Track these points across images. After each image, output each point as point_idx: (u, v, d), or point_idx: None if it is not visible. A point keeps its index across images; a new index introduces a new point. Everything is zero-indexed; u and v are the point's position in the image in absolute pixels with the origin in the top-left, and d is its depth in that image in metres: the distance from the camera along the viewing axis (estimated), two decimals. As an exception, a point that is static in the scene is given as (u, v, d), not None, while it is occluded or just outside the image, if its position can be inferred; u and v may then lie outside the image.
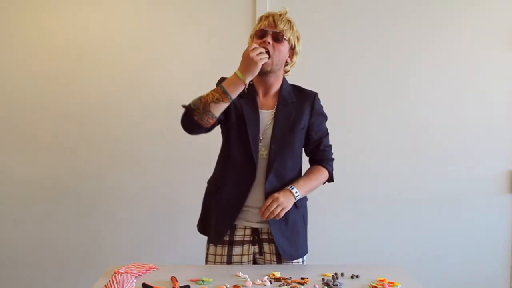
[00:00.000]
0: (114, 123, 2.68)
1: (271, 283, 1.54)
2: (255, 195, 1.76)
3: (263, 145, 1.76)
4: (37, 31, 2.65)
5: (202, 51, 2.66)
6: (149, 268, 1.67)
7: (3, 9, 2.64)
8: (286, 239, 1.77)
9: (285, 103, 1.79)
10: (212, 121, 1.66)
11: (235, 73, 1.64)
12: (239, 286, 1.50)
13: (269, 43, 1.69)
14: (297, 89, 1.86)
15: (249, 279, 1.53)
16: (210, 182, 1.91)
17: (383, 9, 2.66)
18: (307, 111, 1.81)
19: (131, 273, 1.58)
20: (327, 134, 1.90)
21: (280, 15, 1.73)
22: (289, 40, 1.74)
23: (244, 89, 1.65)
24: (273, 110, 1.78)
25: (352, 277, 1.61)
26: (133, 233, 2.71)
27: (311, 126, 1.83)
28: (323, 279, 1.57)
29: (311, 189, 1.81)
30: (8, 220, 2.71)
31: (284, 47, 1.74)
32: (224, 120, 1.78)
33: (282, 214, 1.67)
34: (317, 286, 1.52)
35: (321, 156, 1.87)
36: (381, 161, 2.69)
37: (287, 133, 1.76)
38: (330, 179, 1.88)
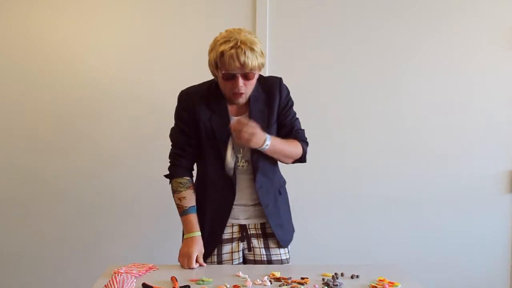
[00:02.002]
0: (114, 123, 2.68)
1: (271, 283, 1.54)
2: (242, 194, 1.78)
3: (244, 157, 1.78)
4: (35, 33, 2.65)
5: (202, 51, 2.64)
6: (149, 268, 1.67)
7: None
8: (280, 228, 1.82)
9: (256, 102, 1.78)
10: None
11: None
12: (239, 286, 1.50)
13: (241, 86, 1.67)
14: (261, 80, 1.82)
15: (249, 279, 1.53)
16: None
17: (382, 9, 2.66)
18: (277, 101, 1.80)
19: (131, 273, 1.58)
20: (296, 118, 1.88)
21: (243, 48, 1.61)
22: (258, 69, 1.69)
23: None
24: (247, 114, 1.77)
25: (352, 277, 1.61)
26: (133, 233, 2.71)
27: (281, 112, 1.82)
28: (323, 279, 1.57)
29: (281, 152, 1.76)
30: (8, 220, 2.71)
31: (255, 80, 1.73)
32: (199, 143, 1.79)
33: (244, 138, 1.63)
34: (317, 286, 1.52)
35: (295, 137, 1.84)
36: (381, 161, 2.69)
37: (264, 130, 1.73)
38: (303, 159, 1.85)
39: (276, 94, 1.80)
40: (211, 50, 1.73)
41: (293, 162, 1.85)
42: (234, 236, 1.81)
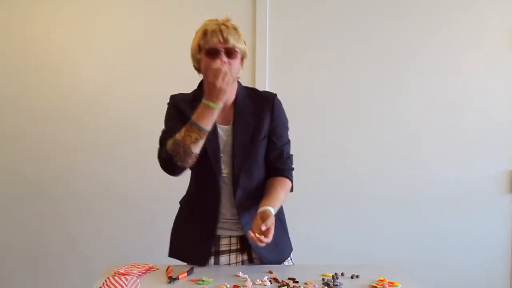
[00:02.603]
0: (114, 123, 2.68)
1: (271, 283, 1.54)
2: (229, 209, 1.72)
3: (224, 162, 1.70)
4: (39, 33, 2.65)
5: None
6: (149, 268, 1.67)
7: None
8: (266, 248, 1.65)
9: (242, 113, 1.71)
10: (193, 160, 1.59)
11: (205, 104, 1.55)
12: (239, 286, 1.50)
13: (225, 62, 1.60)
14: (253, 92, 1.78)
15: (249, 279, 1.53)
16: (182, 202, 1.87)
17: (382, 9, 2.66)
18: (267, 117, 1.72)
19: (131, 273, 1.58)
20: (288, 142, 1.80)
21: (227, 26, 1.65)
22: (240, 51, 1.66)
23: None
24: (231, 124, 1.71)
25: (352, 277, 1.60)
26: (133, 233, 2.71)
27: (272, 131, 1.74)
28: (323, 279, 1.57)
29: (280, 205, 1.72)
30: (8, 220, 2.71)
31: (238, 60, 1.67)
32: None
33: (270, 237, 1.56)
34: (317, 286, 1.52)
35: (283, 164, 1.77)
36: (381, 161, 2.69)
37: (248, 145, 1.69)
38: (291, 190, 1.79)
39: (266, 109, 1.72)
40: (194, 38, 1.71)
41: None
42: (232, 248, 1.75)
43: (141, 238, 2.71)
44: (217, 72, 1.53)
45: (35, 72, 2.67)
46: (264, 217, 1.56)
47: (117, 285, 1.44)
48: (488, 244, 2.73)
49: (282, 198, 1.71)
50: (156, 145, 2.65)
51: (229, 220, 1.73)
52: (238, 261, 1.75)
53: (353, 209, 2.70)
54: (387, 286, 1.51)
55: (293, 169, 1.80)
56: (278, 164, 1.77)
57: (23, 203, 2.70)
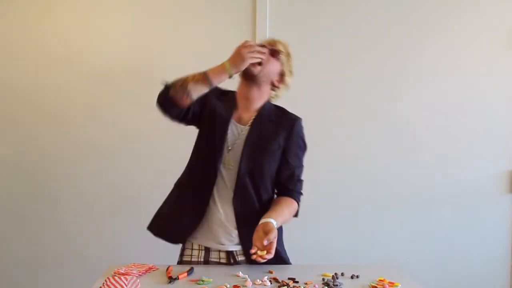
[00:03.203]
0: (114, 123, 2.68)
1: (271, 283, 1.54)
2: (226, 213, 1.70)
3: (232, 157, 1.69)
4: (39, 33, 2.66)
5: (202, 51, 2.66)
6: (149, 268, 1.67)
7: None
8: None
9: (261, 119, 1.72)
10: (186, 100, 1.59)
11: (223, 62, 1.60)
12: (239, 286, 1.50)
13: (265, 53, 1.65)
14: (280, 110, 1.78)
15: (249, 279, 1.53)
16: (176, 185, 1.87)
17: (383, 9, 2.66)
18: (284, 133, 1.72)
19: (131, 273, 1.58)
20: (302, 166, 1.79)
21: (282, 43, 1.74)
22: (282, 64, 1.72)
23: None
24: (248, 125, 1.72)
25: (352, 277, 1.60)
26: (133, 233, 2.70)
27: (287, 148, 1.73)
28: (323, 279, 1.57)
29: (284, 223, 1.71)
30: (8, 220, 2.71)
31: (277, 65, 1.70)
32: (198, 113, 1.71)
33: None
34: (317, 286, 1.52)
35: (293, 186, 1.76)
36: (381, 162, 2.69)
37: (258, 151, 1.69)
38: (295, 215, 1.77)
39: (286, 126, 1.73)
40: None
41: None
42: (221, 261, 1.74)
43: (141, 238, 2.70)
44: (247, 43, 1.60)
45: (36, 72, 2.67)
46: (267, 230, 1.55)
47: (117, 285, 1.44)
48: (488, 244, 2.73)
49: (287, 217, 1.70)
50: (156, 145, 2.67)
51: (223, 235, 1.70)
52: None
53: (353, 209, 2.70)
54: (387, 286, 1.51)
55: (302, 194, 1.79)
56: (288, 184, 1.76)
57: (23, 203, 2.70)
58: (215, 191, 1.70)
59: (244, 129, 1.72)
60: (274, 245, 1.53)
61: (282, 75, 1.74)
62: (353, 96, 2.68)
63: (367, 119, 2.69)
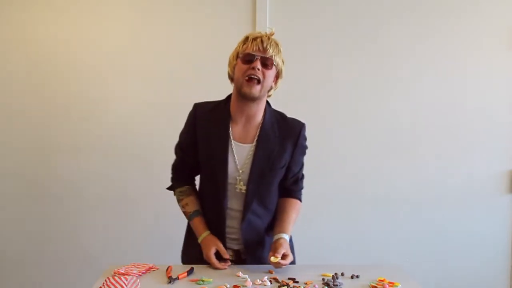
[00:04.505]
0: (115, 123, 2.67)
1: (271, 283, 1.54)
2: (232, 226, 1.73)
3: (242, 179, 1.69)
4: (40, 33, 2.65)
5: (202, 50, 2.66)
6: (149, 268, 1.67)
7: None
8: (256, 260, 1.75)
9: (266, 138, 1.69)
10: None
11: (201, 236, 1.73)
12: (239, 286, 1.50)
13: (258, 69, 1.60)
14: (282, 118, 1.76)
15: (249, 279, 1.53)
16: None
17: (382, 9, 2.66)
18: (290, 148, 1.72)
19: (131, 273, 1.58)
20: (303, 165, 1.83)
21: (268, 38, 1.65)
22: (277, 65, 1.66)
23: None
24: (253, 144, 1.69)
25: (352, 277, 1.61)
26: (133, 233, 2.71)
27: (292, 160, 1.75)
28: (323, 279, 1.57)
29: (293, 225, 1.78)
30: (8, 220, 2.71)
31: (272, 73, 1.66)
32: (193, 163, 1.78)
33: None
34: (317, 286, 1.52)
35: (296, 187, 1.83)
36: (381, 161, 2.69)
37: (266, 173, 1.69)
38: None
39: (291, 139, 1.72)
40: (235, 48, 1.71)
41: None
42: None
43: (141, 238, 2.71)
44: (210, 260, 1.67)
45: (36, 72, 2.66)
46: (277, 246, 1.64)
47: (117, 285, 1.44)
48: (488, 244, 2.73)
49: (294, 220, 1.78)
50: (155, 146, 2.67)
51: (229, 235, 1.74)
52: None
53: (353, 209, 2.70)
54: (387, 286, 1.51)
55: (303, 188, 1.85)
56: (292, 187, 1.81)
57: (23, 203, 2.70)
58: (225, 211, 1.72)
59: (250, 149, 1.70)
60: (289, 254, 1.63)
61: (277, 75, 1.71)
62: (352, 95, 2.68)
63: (367, 119, 2.68)
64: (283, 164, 1.72)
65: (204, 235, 1.73)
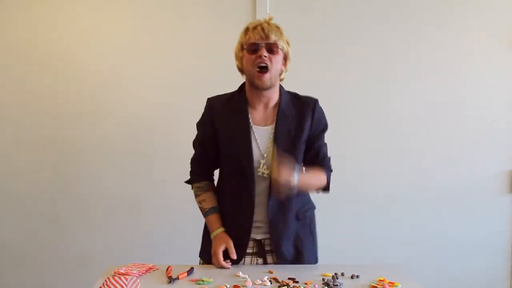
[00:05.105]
0: (114, 124, 2.68)
1: (271, 283, 1.54)
2: (257, 213, 1.72)
3: (266, 163, 1.69)
4: (40, 33, 2.66)
5: (202, 49, 2.66)
6: (149, 268, 1.67)
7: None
8: (289, 251, 1.74)
9: (284, 117, 1.72)
10: None
11: (213, 232, 1.75)
12: (239, 286, 1.50)
13: (265, 57, 1.63)
14: (295, 97, 1.79)
15: (249, 279, 1.53)
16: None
17: (382, 9, 2.66)
18: (308, 122, 1.74)
19: (131, 273, 1.58)
20: (325, 143, 1.83)
21: (268, 24, 1.67)
22: (282, 49, 1.68)
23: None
24: (273, 126, 1.71)
25: (352, 277, 1.61)
26: (133, 233, 2.71)
27: (312, 134, 1.76)
28: (323, 279, 1.57)
29: (308, 186, 1.72)
30: (7, 220, 2.71)
31: (279, 57, 1.68)
32: (214, 155, 1.77)
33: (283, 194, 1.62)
34: (317, 286, 1.52)
35: (320, 164, 1.78)
36: (381, 161, 2.69)
37: (290, 149, 1.69)
38: (326, 188, 1.80)
39: (307, 116, 1.73)
40: (238, 41, 1.73)
41: (317, 192, 1.79)
42: (248, 251, 1.75)
43: (141, 238, 2.71)
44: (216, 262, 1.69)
45: (36, 72, 2.66)
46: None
47: (117, 285, 1.44)
48: (488, 244, 2.73)
49: (312, 180, 1.71)
50: (156, 145, 2.67)
51: (255, 223, 1.73)
52: (253, 264, 1.75)
53: (353, 209, 2.70)
54: (387, 286, 1.51)
55: (331, 170, 1.81)
56: (315, 162, 1.78)
57: (23, 203, 2.70)
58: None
59: (271, 131, 1.71)
60: (285, 170, 1.57)
61: (285, 58, 1.73)
62: (353, 94, 2.67)
63: (367, 119, 2.68)
64: (304, 138, 1.73)
65: (218, 231, 1.73)
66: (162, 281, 1.56)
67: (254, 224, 1.73)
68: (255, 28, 1.66)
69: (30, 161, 2.69)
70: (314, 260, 1.84)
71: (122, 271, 1.60)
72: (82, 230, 2.71)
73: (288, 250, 1.74)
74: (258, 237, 1.75)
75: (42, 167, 2.69)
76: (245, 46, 1.68)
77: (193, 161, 1.85)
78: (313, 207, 1.87)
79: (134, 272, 1.60)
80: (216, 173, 1.86)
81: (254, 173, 1.69)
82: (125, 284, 1.44)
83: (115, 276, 1.52)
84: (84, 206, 2.70)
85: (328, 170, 1.80)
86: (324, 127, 1.82)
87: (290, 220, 1.74)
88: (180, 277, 1.56)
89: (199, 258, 1.86)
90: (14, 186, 2.70)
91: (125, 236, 2.70)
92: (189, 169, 1.85)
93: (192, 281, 1.55)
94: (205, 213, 1.78)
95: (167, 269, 1.63)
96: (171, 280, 1.54)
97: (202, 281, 1.54)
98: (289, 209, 1.74)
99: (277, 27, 1.68)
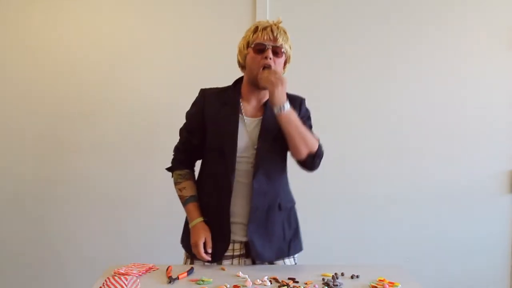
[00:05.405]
0: (114, 123, 2.68)
1: (271, 283, 1.54)
2: (240, 208, 1.73)
3: (248, 154, 1.73)
4: (40, 33, 2.66)
5: (201, 49, 2.66)
6: (149, 268, 1.67)
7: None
8: (261, 240, 1.73)
9: (272, 111, 1.71)
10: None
11: (193, 222, 1.75)
12: (239, 286, 1.50)
13: (270, 58, 1.68)
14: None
15: (249, 279, 1.53)
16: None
17: (382, 9, 2.66)
18: (295, 112, 1.75)
19: (131, 273, 1.58)
20: (311, 127, 1.84)
21: (277, 26, 1.72)
22: (285, 52, 1.74)
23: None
24: (260, 117, 1.76)
25: (352, 277, 1.61)
26: (133, 233, 2.71)
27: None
28: (323, 279, 1.57)
29: (296, 128, 1.67)
30: (7, 220, 2.71)
31: (282, 60, 1.74)
32: (199, 145, 1.79)
33: (272, 80, 1.63)
34: (317, 286, 1.52)
35: None
36: (381, 161, 2.69)
37: (273, 140, 1.73)
38: (317, 156, 1.76)
39: (295, 108, 1.75)
40: (243, 37, 1.77)
41: (307, 159, 1.73)
42: (235, 254, 1.75)
43: (141, 238, 2.71)
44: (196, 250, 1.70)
45: (35, 72, 2.66)
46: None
47: (117, 285, 1.44)
48: (488, 244, 2.73)
49: (301, 124, 1.68)
50: (156, 145, 2.67)
51: (238, 224, 1.73)
52: (241, 265, 1.75)
53: (353, 209, 2.70)
54: (387, 286, 1.51)
55: (322, 150, 1.80)
56: None
57: (23, 203, 2.70)
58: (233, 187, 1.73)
59: (256, 121, 1.75)
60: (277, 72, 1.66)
61: (286, 61, 1.77)
62: (353, 95, 2.68)
63: (367, 119, 2.68)
64: None
65: (197, 221, 1.74)
66: (162, 281, 1.56)
67: (234, 220, 1.72)
68: (264, 29, 1.71)
69: (30, 160, 2.69)
70: (295, 246, 1.85)
71: (122, 271, 1.60)
72: (82, 230, 2.71)
73: (260, 238, 1.73)
74: (244, 239, 1.74)
75: (42, 166, 2.69)
76: (252, 45, 1.72)
77: (177, 148, 1.87)
78: (293, 201, 1.91)
79: (134, 272, 1.60)
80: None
81: (235, 160, 1.70)
82: (125, 284, 1.44)
83: (115, 276, 1.52)
84: (84, 206, 2.70)
85: (318, 140, 1.78)
86: (309, 121, 1.85)
87: (273, 209, 1.76)
88: (180, 277, 1.56)
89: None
90: (14, 186, 2.70)
91: (125, 236, 2.70)
92: (172, 157, 1.86)
93: (192, 281, 1.55)
94: (185, 201, 1.79)
95: (167, 269, 1.63)
96: (171, 280, 1.54)
97: (202, 281, 1.54)
98: (272, 201, 1.76)
99: (284, 32, 1.74)
